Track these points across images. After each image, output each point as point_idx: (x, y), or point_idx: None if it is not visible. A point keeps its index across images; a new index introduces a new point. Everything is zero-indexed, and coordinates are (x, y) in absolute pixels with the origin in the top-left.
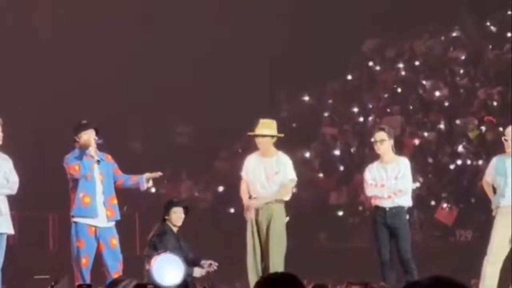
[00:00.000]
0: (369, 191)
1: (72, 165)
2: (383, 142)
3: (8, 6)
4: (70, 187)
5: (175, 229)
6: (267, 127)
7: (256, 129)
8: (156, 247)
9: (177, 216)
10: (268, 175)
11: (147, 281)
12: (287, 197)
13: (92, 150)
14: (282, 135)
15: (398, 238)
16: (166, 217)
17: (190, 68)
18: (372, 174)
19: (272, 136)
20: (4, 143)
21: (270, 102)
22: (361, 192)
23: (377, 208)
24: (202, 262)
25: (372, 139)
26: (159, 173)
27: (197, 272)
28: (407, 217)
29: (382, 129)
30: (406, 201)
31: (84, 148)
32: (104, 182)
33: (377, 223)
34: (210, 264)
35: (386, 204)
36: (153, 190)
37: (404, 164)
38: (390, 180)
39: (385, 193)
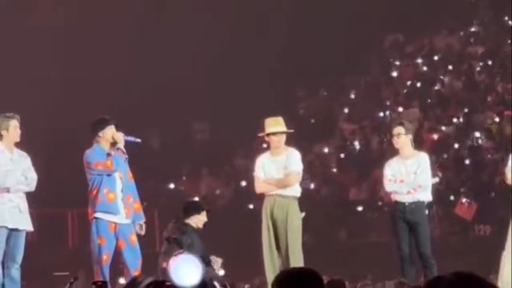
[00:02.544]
0: (388, 186)
1: (102, 160)
2: (400, 136)
3: (20, 7)
4: (92, 184)
5: (196, 228)
6: (279, 124)
7: (270, 128)
8: (181, 244)
9: (204, 218)
10: (280, 173)
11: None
12: (293, 188)
13: (123, 146)
14: (292, 130)
15: (417, 233)
16: (196, 216)
17: (209, 65)
18: (391, 170)
19: (285, 132)
20: (22, 140)
21: (289, 98)
22: (381, 187)
23: (397, 203)
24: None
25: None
26: (143, 232)
27: (218, 264)
28: (427, 212)
29: (401, 124)
30: (426, 196)
31: (113, 144)
32: (122, 179)
33: (396, 218)
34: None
35: (406, 199)
36: (172, 186)
37: (423, 159)
38: (410, 176)
39: (404, 189)
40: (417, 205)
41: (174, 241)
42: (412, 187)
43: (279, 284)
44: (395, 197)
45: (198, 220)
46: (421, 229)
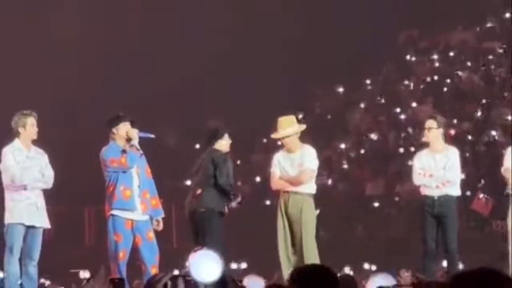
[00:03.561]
0: (418, 180)
1: (116, 158)
2: (431, 130)
3: (37, 7)
4: (108, 181)
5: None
6: (288, 125)
7: (279, 130)
8: (221, 171)
9: (228, 142)
10: (295, 170)
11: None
12: (308, 185)
13: (137, 142)
14: (304, 126)
15: (444, 227)
16: (219, 141)
17: (224, 62)
18: (420, 163)
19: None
20: (39, 137)
21: (305, 95)
22: (397, 183)
23: (426, 197)
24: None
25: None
26: (161, 227)
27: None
28: (455, 206)
29: (433, 117)
30: (455, 191)
31: (128, 140)
32: (140, 175)
33: (424, 213)
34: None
35: (435, 193)
36: (189, 182)
37: (453, 153)
38: (439, 170)
39: (433, 183)
40: (446, 198)
41: (211, 169)
42: (441, 181)
43: (293, 281)
44: (424, 191)
45: (223, 145)
46: (448, 222)
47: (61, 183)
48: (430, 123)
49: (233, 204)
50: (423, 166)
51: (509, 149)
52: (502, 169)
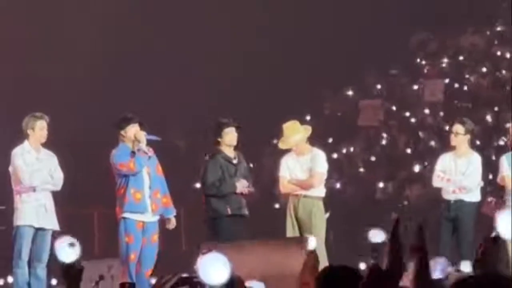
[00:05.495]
0: (436, 182)
1: (125, 162)
2: (458, 135)
3: (49, 6)
4: (119, 183)
5: (229, 150)
6: (294, 132)
7: (286, 138)
8: (201, 177)
9: (232, 135)
10: (304, 173)
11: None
12: (318, 189)
13: (144, 145)
14: (310, 129)
15: (459, 231)
16: (219, 139)
17: (233, 64)
18: (442, 165)
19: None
20: (50, 139)
21: (315, 97)
22: (407, 187)
23: (443, 200)
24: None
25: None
26: (173, 226)
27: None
28: (473, 211)
29: (461, 122)
30: (471, 197)
31: (136, 143)
32: (150, 175)
33: (441, 218)
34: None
35: (451, 197)
36: (198, 185)
37: (475, 160)
38: (457, 175)
39: (450, 188)
40: (462, 203)
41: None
42: (457, 187)
43: (321, 281)
44: (443, 194)
45: (226, 141)
46: (463, 227)
47: (71, 185)
48: (458, 128)
49: (243, 192)
50: (444, 169)
51: (503, 157)
52: (498, 178)
